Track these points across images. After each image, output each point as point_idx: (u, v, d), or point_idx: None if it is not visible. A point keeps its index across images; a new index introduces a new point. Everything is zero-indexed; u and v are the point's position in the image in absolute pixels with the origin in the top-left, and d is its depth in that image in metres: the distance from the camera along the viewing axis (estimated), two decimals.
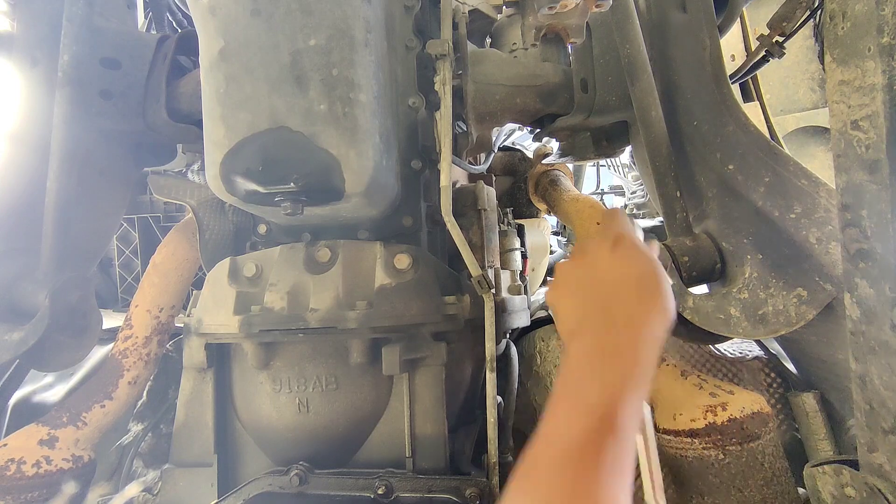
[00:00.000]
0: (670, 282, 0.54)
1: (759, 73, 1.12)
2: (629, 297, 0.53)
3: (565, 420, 0.47)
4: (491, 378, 0.76)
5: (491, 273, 0.94)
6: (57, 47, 0.79)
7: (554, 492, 0.42)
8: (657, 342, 0.51)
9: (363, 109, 0.69)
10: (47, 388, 1.12)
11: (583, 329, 0.54)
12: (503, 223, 1.13)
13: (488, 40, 1.10)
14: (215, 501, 0.73)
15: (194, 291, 0.87)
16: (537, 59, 0.90)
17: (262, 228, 0.91)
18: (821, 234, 0.69)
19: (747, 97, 1.52)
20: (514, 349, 1.06)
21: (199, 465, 0.79)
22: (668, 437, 0.78)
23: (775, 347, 1.00)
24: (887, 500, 0.53)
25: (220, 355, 0.82)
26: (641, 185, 3.42)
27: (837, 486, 0.59)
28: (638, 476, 0.84)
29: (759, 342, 1.03)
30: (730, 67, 0.88)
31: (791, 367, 0.96)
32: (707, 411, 0.74)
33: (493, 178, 1.40)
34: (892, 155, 0.48)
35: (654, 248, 0.61)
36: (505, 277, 1.01)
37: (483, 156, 1.20)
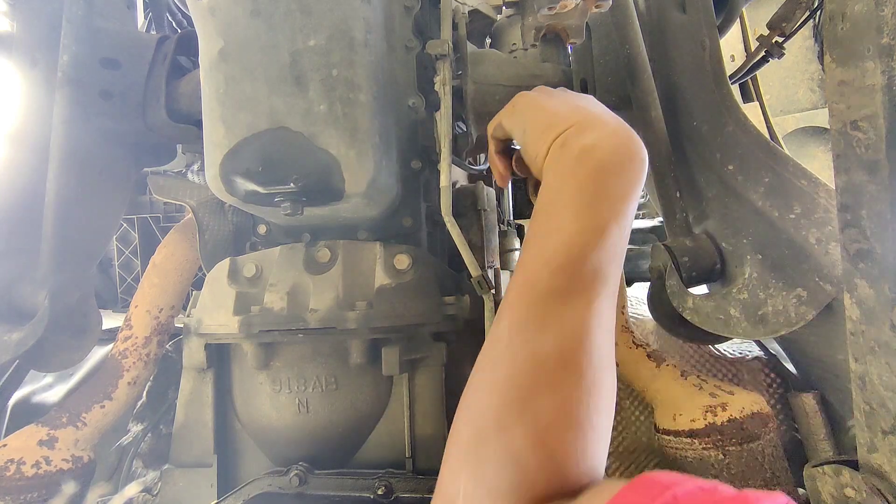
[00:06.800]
0: None
1: (758, 73, 1.13)
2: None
3: (561, 229, 0.45)
4: None
5: (491, 273, 0.94)
6: (57, 47, 0.79)
7: (559, 325, 0.41)
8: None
9: (363, 110, 0.69)
10: (47, 388, 1.12)
11: (578, 110, 0.52)
12: (503, 223, 1.13)
13: (488, 41, 1.10)
14: (215, 502, 0.73)
15: (194, 292, 0.87)
16: (537, 60, 0.90)
17: (261, 229, 0.91)
18: (820, 234, 0.69)
19: (747, 97, 1.52)
20: None
21: (198, 466, 0.79)
22: (668, 438, 0.78)
23: (775, 347, 1.00)
24: (887, 500, 0.53)
25: (219, 356, 0.82)
26: None
27: (837, 487, 0.59)
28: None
29: (758, 342, 1.03)
30: (730, 68, 0.88)
31: (791, 367, 0.96)
32: (707, 412, 0.74)
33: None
34: (891, 155, 0.48)
35: None
36: (505, 278, 1.01)
37: (483, 156, 1.20)
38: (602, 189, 0.47)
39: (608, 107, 0.88)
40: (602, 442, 0.40)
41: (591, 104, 0.55)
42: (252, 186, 0.69)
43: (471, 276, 0.77)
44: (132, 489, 0.83)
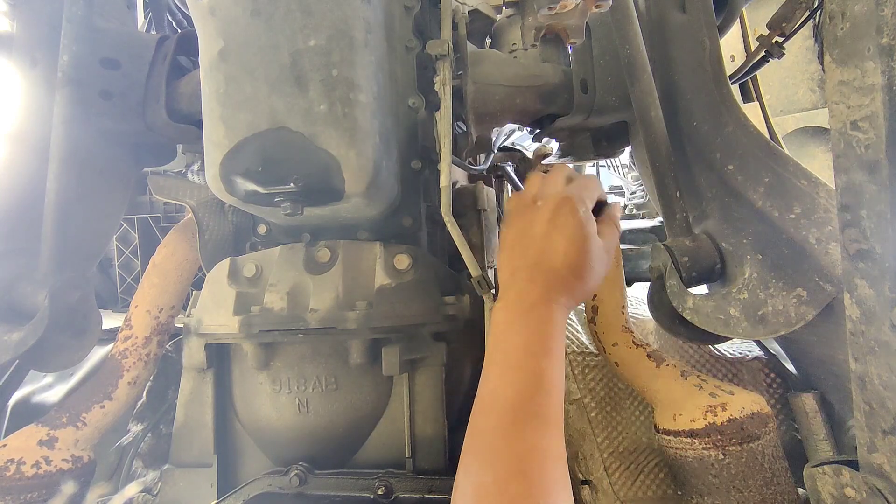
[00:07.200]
0: (601, 256, 0.61)
1: (758, 73, 1.12)
2: (553, 265, 0.58)
3: (498, 384, 0.52)
4: None
5: (491, 273, 0.94)
6: (57, 47, 0.79)
7: (501, 457, 0.47)
8: (567, 306, 0.58)
9: (363, 110, 0.69)
10: (47, 388, 1.12)
11: (511, 283, 0.60)
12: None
13: (488, 41, 1.10)
14: (215, 502, 0.73)
15: (194, 292, 0.87)
16: (537, 60, 0.90)
17: (261, 229, 0.91)
18: (820, 234, 0.69)
19: (747, 97, 1.52)
20: None
21: (198, 466, 0.79)
22: (668, 438, 0.78)
23: (775, 347, 1.00)
24: (887, 500, 0.53)
25: (219, 356, 0.82)
26: (641, 185, 3.42)
27: (837, 487, 0.59)
28: None
29: (758, 342, 1.03)
30: (730, 68, 0.88)
31: (791, 367, 0.96)
32: (707, 412, 0.74)
33: (493, 179, 1.40)
34: (891, 155, 0.47)
35: (611, 217, 0.66)
36: None
37: (483, 156, 1.20)
38: (508, 345, 0.54)
39: (608, 107, 0.89)
40: None
41: (522, 250, 0.61)
42: (252, 186, 0.69)
43: (471, 276, 0.77)
44: (132, 489, 0.83)
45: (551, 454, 0.47)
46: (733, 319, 0.73)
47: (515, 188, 1.33)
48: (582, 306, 1.16)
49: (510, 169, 1.40)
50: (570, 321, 1.11)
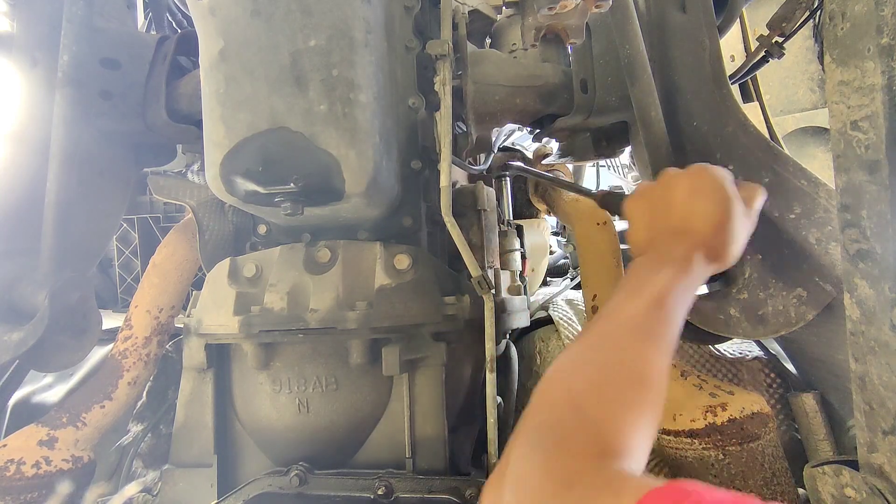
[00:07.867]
0: (743, 219, 0.62)
1: (758, 73, 1.12)
2: (695, 226, 0.61)
3: (625, 303, 0.56)
4: (491, 378, 0.76)
5: (491, 273, 0.94)
6: (57, 47, 0.80)
7: (616, 356, 0.52)
8: (706, 263, 0.61)
9: (363, 110, 0.69)
10: (47, 388, 1.12)
11: (650, 245, 0.65)
12: (503, 223, 1.13)
13: (488, 41, 1.10)
14: (215, 502, 0.73)
15: (194, 292, 0.87)
16: (537, 60, 0.90)
17: (262, 229, 0.91)
18: (820, 234, 0.69)
19: (747, 97, 1.52)
20: (513, 349, 1.06)
21: (198, 466, 0.79)
22: (668, 438, 0.78)
23: (775, 347, 1.00)
24: (887, 500, 0.53)
25: (219, 356, 0.82)
26: None
27: (837, 487, 0.59)
28: None
29: (758, 342, 1.03)
30: (730, 68, 0.88)
31: (791, 367, 0.96)
32: (707, 412, 0.74)
33: (493, 179, 1.40)
34: (891, 155, 0.48)
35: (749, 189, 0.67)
36: (505, 278, 1.01)
37: (483, 156, 1.20)
38: (640, 280, 0.59)
39: (608, 107, 0.89)
40: (635, 426, 0.46)
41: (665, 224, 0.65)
42: (252, 186, 0.69)
43: (471, 276, 0.77)
44: (132, 489, 0.83)
45: (659, 368, 0.51)
46: (733, 319, 0.73)
47: (533, 175, 1.29)
48: (582, 306, 1.15)
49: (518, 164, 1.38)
50: (570, 321, 1.11)
